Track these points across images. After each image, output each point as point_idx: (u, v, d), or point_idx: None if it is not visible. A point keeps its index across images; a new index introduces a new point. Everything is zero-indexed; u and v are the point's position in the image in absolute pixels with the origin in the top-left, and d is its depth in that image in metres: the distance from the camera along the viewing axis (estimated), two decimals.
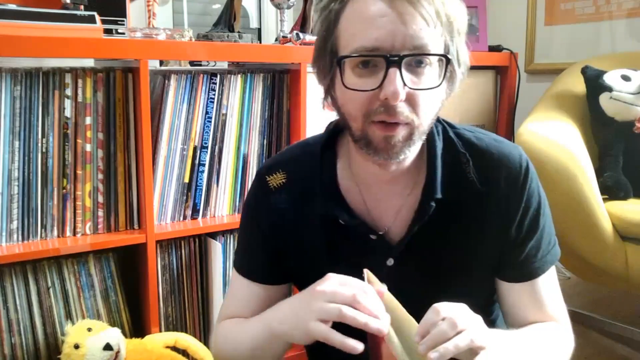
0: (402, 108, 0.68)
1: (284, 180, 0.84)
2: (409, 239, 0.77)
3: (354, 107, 0.70)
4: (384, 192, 0.80)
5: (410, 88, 0.67)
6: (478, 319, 0.67)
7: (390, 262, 0.79)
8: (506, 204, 0.78)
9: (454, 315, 0.64)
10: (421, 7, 0.66)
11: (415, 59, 0.67)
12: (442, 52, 0.69)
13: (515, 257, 0.81)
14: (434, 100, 0.71)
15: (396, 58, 0.66)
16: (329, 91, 0.76)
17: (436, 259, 0.79)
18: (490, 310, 0.88)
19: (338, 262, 0.79)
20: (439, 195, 0.76)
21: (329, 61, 0.72)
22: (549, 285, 0.83)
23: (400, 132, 0.69)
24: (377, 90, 0.67)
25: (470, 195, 0.78)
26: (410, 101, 0.68)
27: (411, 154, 0.74)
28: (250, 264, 0.88)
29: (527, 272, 0.81)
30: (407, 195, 0.79)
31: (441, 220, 0.77)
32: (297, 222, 0.83)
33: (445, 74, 0.70)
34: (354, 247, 0.80)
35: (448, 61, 0.70)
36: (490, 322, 0.88)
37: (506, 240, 0.80)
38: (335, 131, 0.84)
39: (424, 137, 0.74)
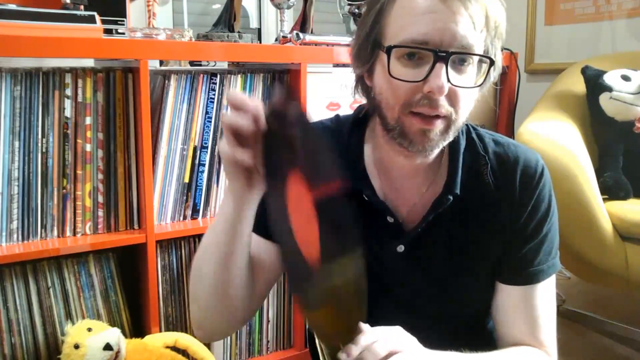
0: (443, 102, 0.69)
1: None
2: (422, 228, 0.79)
3: (395, 96, 0.71)
4: (403, 184, 0.81)
5: (453, 84, 0.69)
6: (413, 341, 0.67)
7: (401, 248, 0.80)
8: (517, 205, 0.79)
9: (388, 337, 0.64)
10: (472, 9, 0.67)
11: (459, 57, 0.69)
12: (483, 50, 0.71)
13: (512, 257, 0.80)
14: (471, 97, 0.73)
15: (444, 54, 0.67)
16: (362, 79, 0.78)
17: (444, 253, 0.80)
18: (488, 317, 0.87)
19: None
20: (457, 191, 0.78)
21: (371, 50, 0.74)
22: (543, 298, 0.81)
23: (438, 126, 0.71)
24: (421, 83, 0.68)
25: (484, 196, 0.80)
26: (451, 97, 0.69)
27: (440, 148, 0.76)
28: (259, 215, 0.86)
29: (522, 275, 0.80)
30: (424, 191, 0.81)
31: (454, 216, 0.79)
32: None
33: (487, 74, 0.73)
34: (371, 225, 0.81)
35: (492, 63, 0.72)
36: (488, 332, 0.88)
37: (508, 240, 0.80)
38: (364, 116, 0.85)
39: (457, 133, 0.76)
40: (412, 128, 0.70)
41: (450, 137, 0.73)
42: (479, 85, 0.73)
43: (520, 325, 0.80)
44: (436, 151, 0.75)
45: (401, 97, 0.70)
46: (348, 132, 0.85)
